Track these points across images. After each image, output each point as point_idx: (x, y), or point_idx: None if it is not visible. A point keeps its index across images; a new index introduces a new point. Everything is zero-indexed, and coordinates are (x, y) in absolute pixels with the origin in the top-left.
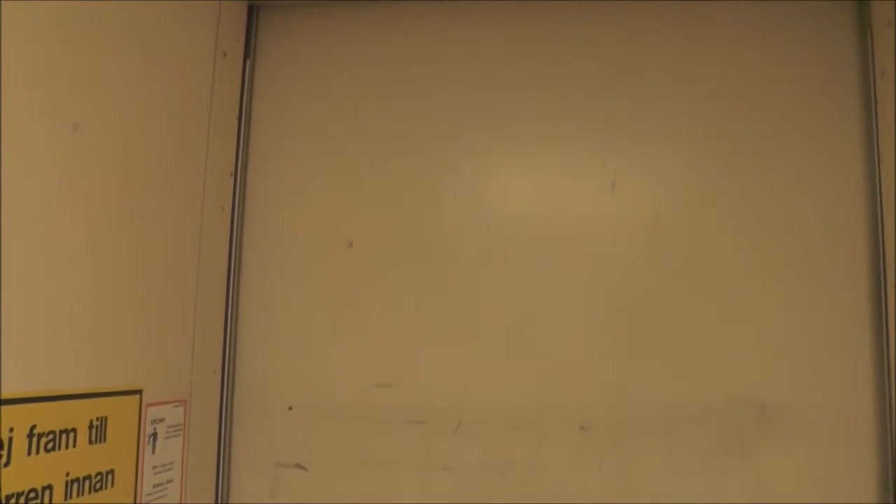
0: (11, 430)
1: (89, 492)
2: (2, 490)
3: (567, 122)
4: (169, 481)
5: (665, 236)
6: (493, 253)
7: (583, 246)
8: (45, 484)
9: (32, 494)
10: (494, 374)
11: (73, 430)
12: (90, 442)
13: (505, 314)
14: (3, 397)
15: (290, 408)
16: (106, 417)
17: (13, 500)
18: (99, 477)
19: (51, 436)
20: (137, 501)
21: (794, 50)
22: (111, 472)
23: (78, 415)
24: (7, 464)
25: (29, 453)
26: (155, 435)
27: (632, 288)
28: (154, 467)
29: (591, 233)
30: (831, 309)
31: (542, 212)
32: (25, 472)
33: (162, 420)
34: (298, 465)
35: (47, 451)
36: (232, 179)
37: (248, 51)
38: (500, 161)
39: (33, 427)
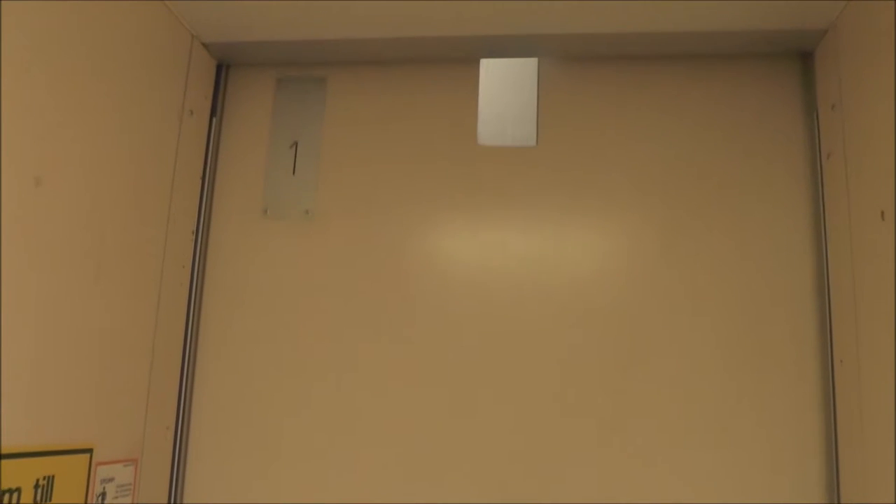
0: None
1: None
2: None
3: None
4: None
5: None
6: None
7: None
8: None
9: None
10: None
11: (18, 489)
12: (35, 502)
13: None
14: None
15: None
16: (53, 476)
17: None
18: None
19: None
20: None
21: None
22: None
23: (23, 474)
24: None
25: None
26: (104, 495)
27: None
28: None
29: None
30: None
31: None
32: None
33: (112, 479)
34: None
35: None
36: (193, 237)
37: (215, 109)
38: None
39: None
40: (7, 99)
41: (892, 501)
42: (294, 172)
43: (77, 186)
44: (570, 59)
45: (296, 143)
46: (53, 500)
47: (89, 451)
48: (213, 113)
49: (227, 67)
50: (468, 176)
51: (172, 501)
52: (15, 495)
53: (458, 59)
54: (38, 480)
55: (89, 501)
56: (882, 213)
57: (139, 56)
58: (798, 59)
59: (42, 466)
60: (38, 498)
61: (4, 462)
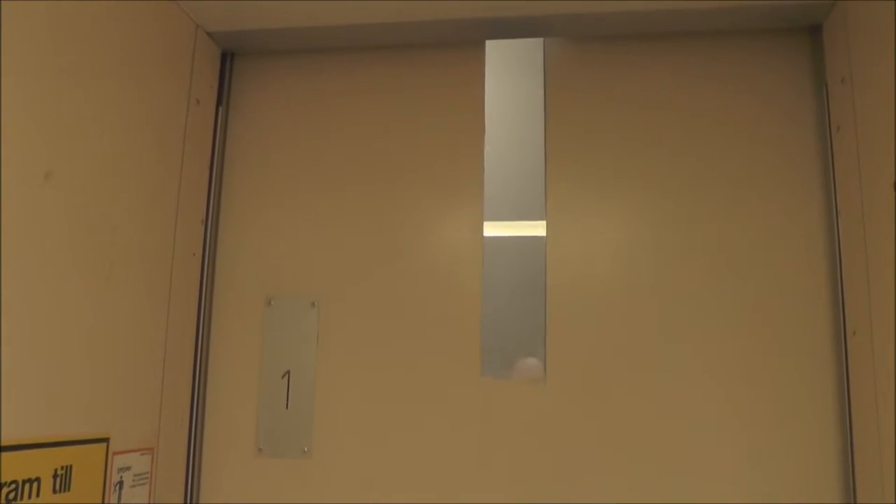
0: None
1: None
2: None
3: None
4: None
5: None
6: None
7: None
8: None
9: None
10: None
11: (37, 479)
12: (54, 491)
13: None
14: None
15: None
16: (71, 466)
17: None
18: None
19: (13, 485)
20: None
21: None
22: None
23: (42, 464)
24: None
25: None
26: (121, 483)
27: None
28: None
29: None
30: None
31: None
32: None
33: (128, 468)
34: None
35: (9, 501)
36: (203, 227)
37: (221, 98)
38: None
39: None
40: (13, 94)
41: None
42: (287, 406)
43: (87, 180)
44: (577, 38)
45: (288, 373)
46: (72, 489)
47: (106, 440)
48: (219, 101)
49: (231, 56)
50: (476, 414)
51: (189, 489)
52: (35, 485)
53: (464, 42)
54: (56, 470)
55: (107, 490)
56: (895, 184)
57: (145, 46)
58: (806, 32)
59: (60, 456)
60: (57, 487)
61: (23, 453)
